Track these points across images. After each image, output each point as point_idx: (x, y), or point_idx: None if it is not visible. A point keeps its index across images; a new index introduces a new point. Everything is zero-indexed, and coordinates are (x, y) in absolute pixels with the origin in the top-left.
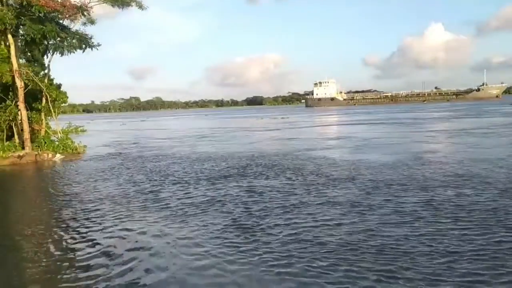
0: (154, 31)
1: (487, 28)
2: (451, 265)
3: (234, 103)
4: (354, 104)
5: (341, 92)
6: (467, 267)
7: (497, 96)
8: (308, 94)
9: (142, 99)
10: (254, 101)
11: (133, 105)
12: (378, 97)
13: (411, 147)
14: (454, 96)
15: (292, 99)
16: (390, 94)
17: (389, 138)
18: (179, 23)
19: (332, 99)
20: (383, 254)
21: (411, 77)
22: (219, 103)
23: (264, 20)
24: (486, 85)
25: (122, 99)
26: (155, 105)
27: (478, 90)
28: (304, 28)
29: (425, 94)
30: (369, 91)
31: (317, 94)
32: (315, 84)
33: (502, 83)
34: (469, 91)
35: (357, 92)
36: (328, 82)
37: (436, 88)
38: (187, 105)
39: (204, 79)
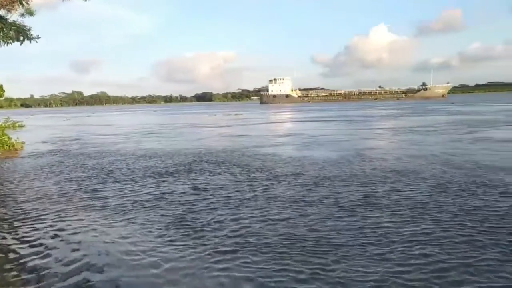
0: (99, 24)
1: (427, 30)
2: (384, 256)
3: (183, 99)
4: (309, 102)
5: (295, 89)
6: (398, 256)
7: (443, 96)
8: (262, 91)
9: (86, 94)
10: (204, 98)
11: (75, 100)
12: (332, 94)
13: (356, 144)
14: (403, 94)
15: (242, 96)
16: (343, 92)
17: (338, 135)
18: (127, 17)
19: (287, 96)
20: (320, 247)
21: (357, 76)
22: (168, 99)
23: (216, 16)
24: (432, 85)
25: (64, 93)
26: (100, 100)
27: (426, 89)
28: (254, 25)
29: (376, 92)
30: (316, 88)
31: (272, 91)
32: (270, 81)
33: (447, 82)
34: (417, 90)
35: (305, 89)
36: (283, 79)
37: (380, 87)
38: (134, 100)
39: (153, 74)
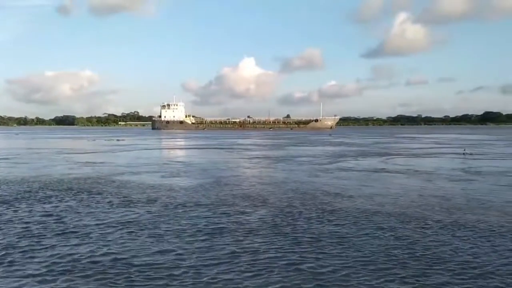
0: None
1: (290, 66)
2: (207, 273)
3: (40, 121)
4: (203, 129)
5: (189, 116)
6: (218, 271)
7: (331, 127)
8: (154, 116)
9: None
10: (65, 121)
11: None
12: (228, 122)
13: (222, 172)
14: (296, 125)
15: (109, 120)
16: (238, 120)
17: (212, 163)
18: None
19: (181, 122)
20: (152, 268)
21: (227, 105)
22: (22, 121)
23: (78, 34)
24: (322, 117)
25: None
26: None
27: (317, 121)
28: (122, 47)
29: (270, 121)
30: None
31: (165, 117)
32: (163, 106)
33: (335, 115)
34: (309, 121)
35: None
36: (177, 105)
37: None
38: None
39: (5, 92)
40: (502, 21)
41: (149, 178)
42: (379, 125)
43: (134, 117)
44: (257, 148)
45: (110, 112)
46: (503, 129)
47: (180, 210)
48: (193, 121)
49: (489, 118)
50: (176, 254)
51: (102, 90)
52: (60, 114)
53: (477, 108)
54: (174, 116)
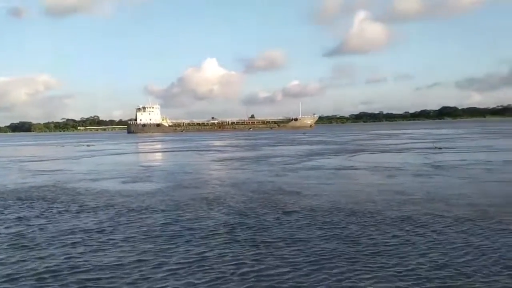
0: None
1: (253, 66)
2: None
3: None
4: (182, 131)
5: (166, 118)
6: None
7: (310, 126)
8: (130, 120)
9: None
10: (21, 127)
11: None
12: (206, 124)
13: (187, 175)
14: (275, 124)
15: (67, 126)
16: (217, 121)
17: (178, 166)
18: None
19: (158, 125)
20: (95, 279)
21: (190, 107)
22: None
23: (32, 37)
24: (301, 116)
25: None
26: None
27: (296, 120)
28: (80, 49)
29: (249, 122)
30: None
31: (141, 120)
32: (138, 109)
33: (314, 114)
34: (289, 120)
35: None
36: (153, 108)
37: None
38: None
39: None
40: (457, 18)
41: (108, 184)
42: (342, 123)
43: (94, 122)
44: (232, 149)
45: (69, 117)
46: (461, 122)
47: (133, 216)
48: (171, 124)
49: (446, 113)
50: (120, 265)
51: (59, 95)
52: (15, 121)
53: (434, 103)
54: (150, 119)
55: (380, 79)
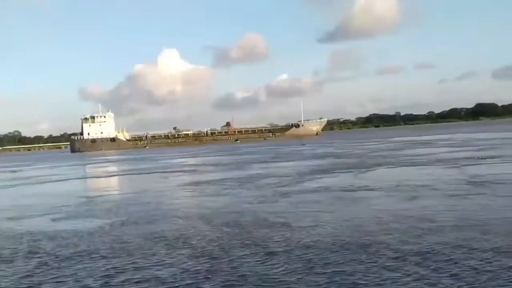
0: None
1: (227, 58)
2: None
3: None
4: (145, 146)
5: (124, 130)
6: None
7: (317, 133)
8: (76, 134)
9: None
10: None
11: None
12: (178, 136)
13: (142, 206)
14: (270, 134)
15: None
16: (192, 132)
17: (133, 195)
18: None
19: (113, 139)
20: None
21: (146, 114)
22: None
23: None
24: (306, 120)
25: None
26: None
27: (298, 126)
28: None
29: (235, 131)
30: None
31: (89, 134)
32: (85, 119)
33: (320, 118)
34: (288, 127)
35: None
36: (104, 117)
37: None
38: None
39: None
40: None
41: (34, 223)
42: (348, 128)
43: (14, 139)
44: (210, 169)
45: None
46: (504, 124)
47: (62, 268)
48: (129, 137)
49: (482, 112)
50: None
51: None
52: None
53: (465, 100)
54: (102, 132)
55: (393, 69)
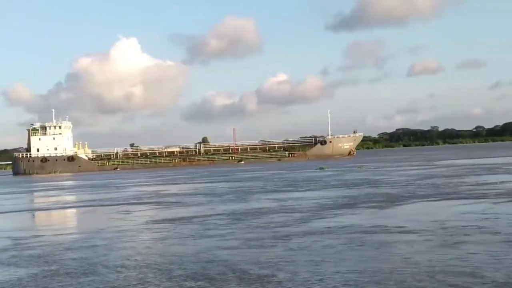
0: None
1: (203, 50)
2: None
3: None
4: (115, 168)
5: (85, 147)
6: None
7: (350, 153)
8: (20, 150)
9: None
10: None
11: None
12: (160, 154)
13: (84, 251)
14: (286, 153)
15: None
16: (178, 150)
17: (77, 236)
18: None
19: (71, 158)
20: None
21: (94, 126)
22: None
23: None
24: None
25: None
26: None
27: (325, 142)
28: None
29: (237, 149)
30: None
31: (38, 150)
32: (34, 130)
33: (354, 132)
34: (310, 144)
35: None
36: (60, 127)
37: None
38: None
39: None
40: None
41: None
42: (367, 148)
43: None
44: (194, 200)
45: None
46: None
47: None
48: (93, 156)
49: None
50: None
51: None
52: None
53: None
54: (56, 148)
55: (428, 69)
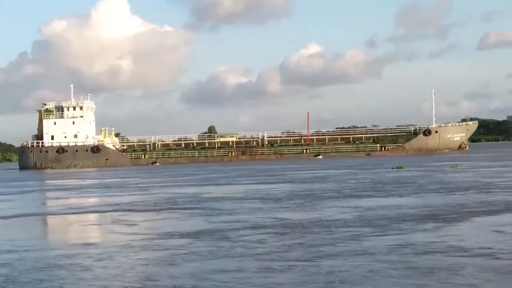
0: None
1: (215, 14)
2: None
3: None
4: (154, 162)
5: (112, 133)
6: None
7: (461, 146)
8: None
9: None
10: None
11: None
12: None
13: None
14: (377, 145)
15: None
16: (233, 138)
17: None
18: None
19: (97, 149)
20: None
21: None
22: None
23: None
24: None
25: None
26: None
27: (429, 133)
28: None
29: (312, 139)
30: (111, 135)
31: (53, 138)
32: (47, 112)
33: (465, 119)
34: (409, 134)
35: None
36: (81, 108)
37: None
38: None
39: None
40: None
41: None
42: None
43: None
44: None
45: None
46: None
47: None
48: (124, 147)
49: None
50: None
51: None
52: None
53: None
54: (76, 136)
55: (504, 41)
